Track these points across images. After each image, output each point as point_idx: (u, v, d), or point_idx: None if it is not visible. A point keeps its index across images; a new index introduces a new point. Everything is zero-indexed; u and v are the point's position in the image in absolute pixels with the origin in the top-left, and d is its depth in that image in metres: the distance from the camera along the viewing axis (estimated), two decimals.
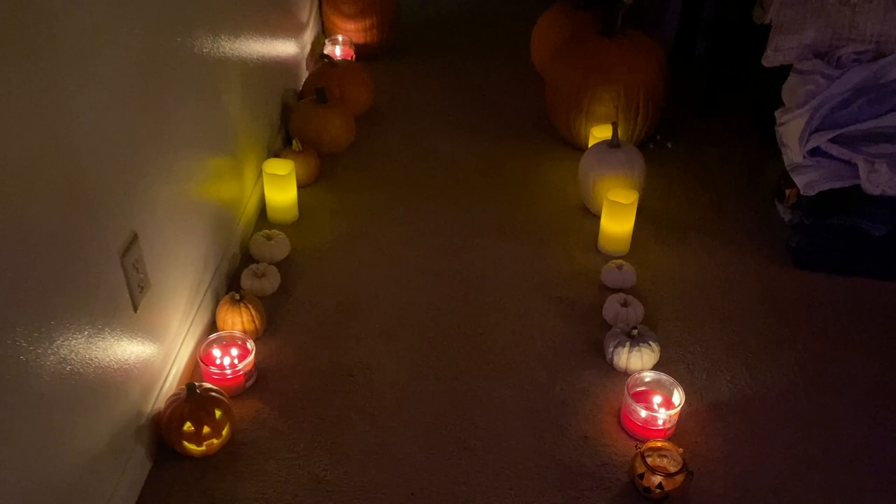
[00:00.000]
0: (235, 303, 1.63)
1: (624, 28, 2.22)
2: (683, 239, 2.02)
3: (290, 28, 2.44)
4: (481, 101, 2.64)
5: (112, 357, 1.26)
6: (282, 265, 1.87)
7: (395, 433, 1.50)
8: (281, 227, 2.00)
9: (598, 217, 2.03)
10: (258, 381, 1.58)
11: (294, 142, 2.11)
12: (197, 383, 1.43)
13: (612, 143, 2.00)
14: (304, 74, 2.59)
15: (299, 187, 2.09)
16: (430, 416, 1.53)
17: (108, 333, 1.24)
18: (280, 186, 1.96)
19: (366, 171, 2.26)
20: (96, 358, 1.21)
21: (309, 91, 2.40)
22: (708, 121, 2.51)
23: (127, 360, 1.32)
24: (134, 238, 1.32)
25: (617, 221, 1.90)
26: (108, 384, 1.26)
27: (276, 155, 2.17)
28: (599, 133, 2.15)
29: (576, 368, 1.64)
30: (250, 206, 1.99)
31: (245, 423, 1.50)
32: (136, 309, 1.34)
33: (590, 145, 2.15)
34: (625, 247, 1.94)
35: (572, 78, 2.20)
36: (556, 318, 1.76)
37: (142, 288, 1.35)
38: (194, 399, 1.40)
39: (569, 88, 2.21)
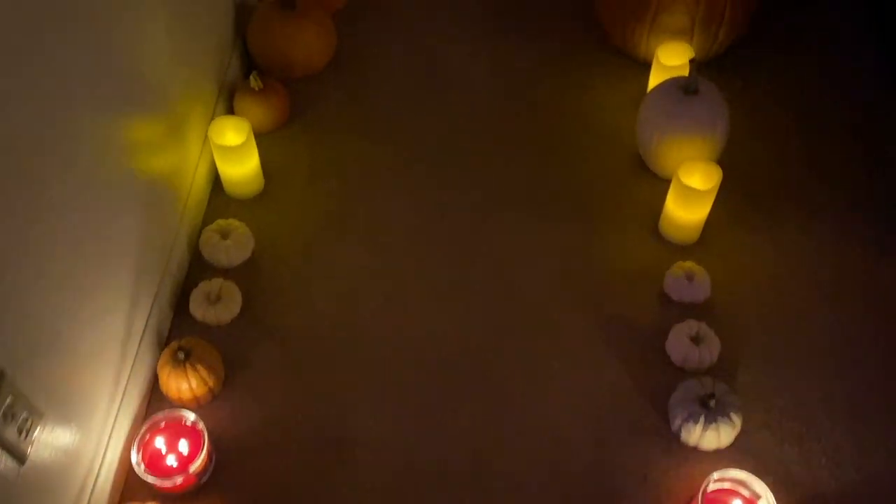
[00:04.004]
0: (179, 364, 1.22)
1: None
2: (773, 212, 1.53)
3: None
4: None
5: None
6: (245, 269, 1.43)
7: None
8: (241, 202, 1.52)
9: (659, 178, 1.54)
10: (217, 463, 1.22)
11: (252, 78, 1.56)
12: None
13: (689, 88, 1.45)
14: None
15: (264, 133, 1.59)
16: None
17: None
18: (235, 158, 1.46)
19: (351, 101, 1.71)
20: None
21: None
22: (808, 7, 1.88)
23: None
24: None
25: (689, 209, 1.41)
26: None
27: (232, 90, 1.63)
28: (669, 56, 1.57)
29: (630, 437, 1.26)
30: (199, 178, 1.49)
31: None
32: (23, 461, 0.94)
33: (654, 72, 1.59)
34: (695, 234, 1.47)
35: None
36: (604, 351, 1.35)
37: (28, 432, 0.94)
38: None
39: None
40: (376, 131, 1.66)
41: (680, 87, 1.45)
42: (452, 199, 1.55)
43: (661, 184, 1.53)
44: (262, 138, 1.58)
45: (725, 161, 1.50)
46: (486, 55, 1.80)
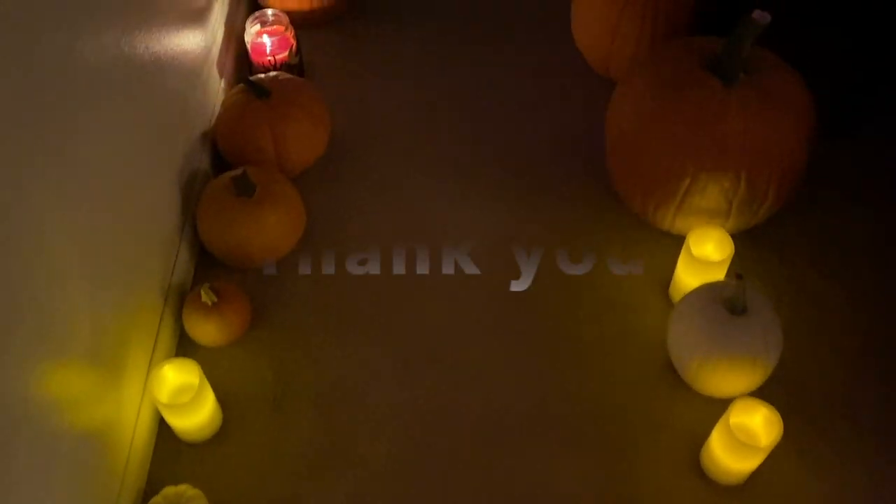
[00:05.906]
0: None
1: (747, 61, 1.29)
2: (828, 433, 1.29)
3: (189, 19, 1.45)
4: (500, 118, 1.69)
5: None
6: None
7: None
8: (195, 448, 1.25)
9: (695, 392, 1.30)
10: None
11: (203, 292, 1.28)
12: None
13: (736, 308, 1.20)
14: (218, 93, 1.62)
15: (218, 347, 1.33)
16: None
17: None
18: (185, 412, 1.19)
19: (325, 294, 1.43)
20: None
21: (227, 139, 1.50)
22: (850, 146, 1.64)
23: None
24: None
25: (741, 459, 1.17)
26: None
27: (181, 294, 1.36)
28: (701, 246, 1.33)
29: None
30: (142, 427, 1.21)
31: None
32: None
33: (684, 260, 1.34)
34: (744, 477, 1.22)
35: (658, 153, 1.32)
36: None
37: None
38: None
39: (651, 168, 1.34)
40: (355, 334, 1.39)
41: (723, 304, 1.21)
42: (448, 425, 1.29)
43: (699, 400, 1.29)
44: (218, 353, 1.32)
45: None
46: (478, 223, 1.53)
